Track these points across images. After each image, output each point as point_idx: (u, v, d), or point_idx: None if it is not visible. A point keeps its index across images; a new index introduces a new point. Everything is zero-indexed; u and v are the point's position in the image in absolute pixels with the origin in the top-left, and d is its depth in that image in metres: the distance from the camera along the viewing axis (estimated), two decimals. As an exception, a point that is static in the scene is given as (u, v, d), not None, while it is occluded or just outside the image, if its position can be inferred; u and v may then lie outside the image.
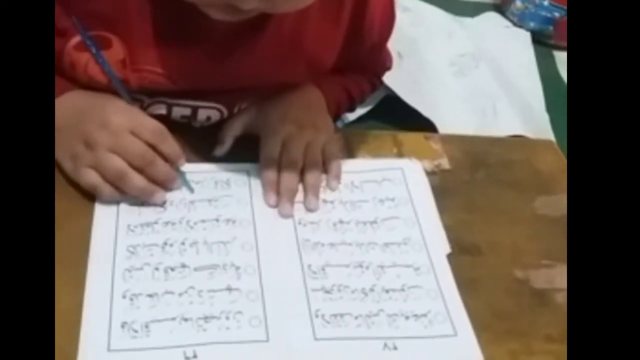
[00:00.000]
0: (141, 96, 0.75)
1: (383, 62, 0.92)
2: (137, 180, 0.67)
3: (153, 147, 0.68)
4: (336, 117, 0.87)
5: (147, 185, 0.67)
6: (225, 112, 0.79)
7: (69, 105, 0.70)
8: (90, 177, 0.66)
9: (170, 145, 0.69)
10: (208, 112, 0.78)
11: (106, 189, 0.67)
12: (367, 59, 0.86)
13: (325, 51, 0.77)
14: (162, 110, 0.77)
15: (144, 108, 0.76)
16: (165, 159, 0.69)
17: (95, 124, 0.67)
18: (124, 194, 0.67)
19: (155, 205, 0.68)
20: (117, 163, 0.66)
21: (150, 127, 0.68)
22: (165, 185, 0.69)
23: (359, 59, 0.83)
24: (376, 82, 0.94)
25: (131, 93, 0.73)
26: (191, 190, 0.70)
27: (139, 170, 0.67)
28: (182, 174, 0.71)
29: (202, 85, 0.74)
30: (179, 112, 0.77)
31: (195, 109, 0.77)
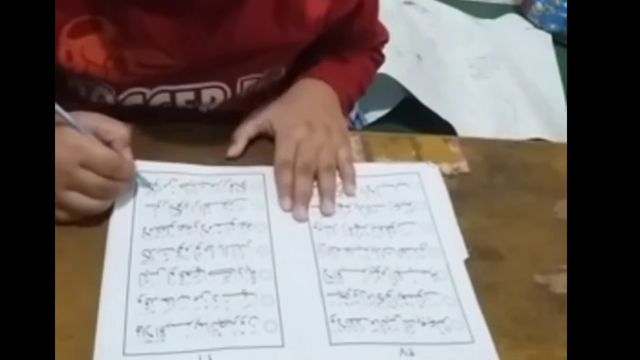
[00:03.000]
0: (143, 88, 0.75)
1: (379, 34, 0.89)
2: (106, 206, 0.66)
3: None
4: (349, 108, 0.86)
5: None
6: (229, 90, 0.78)
7: None
8: (60, 217, 0.64)
9: (127, 169, 0.66)
10: (211, 92, 0.78)
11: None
12: (360, 21, 0.82)
13: (312, 2, 0.74)
14: (165, 98, 0.77)
15: (146, 100, 0.76)
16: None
17: None
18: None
19: (170, 207, 0.68)
20: (81, 201, 0.63)
21: (102, 158, 0.64)
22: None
23: (349, 21, 0.80)
24: (378, 57, 0.91)
25: (132, 85, 0.73)
26: (149, 186, 0.69)
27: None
28: (139, 177, 0.69)
29: (198, 55, 0.73)
30: (182, 97, 0.77)
31: (198, 92, 0.77)
